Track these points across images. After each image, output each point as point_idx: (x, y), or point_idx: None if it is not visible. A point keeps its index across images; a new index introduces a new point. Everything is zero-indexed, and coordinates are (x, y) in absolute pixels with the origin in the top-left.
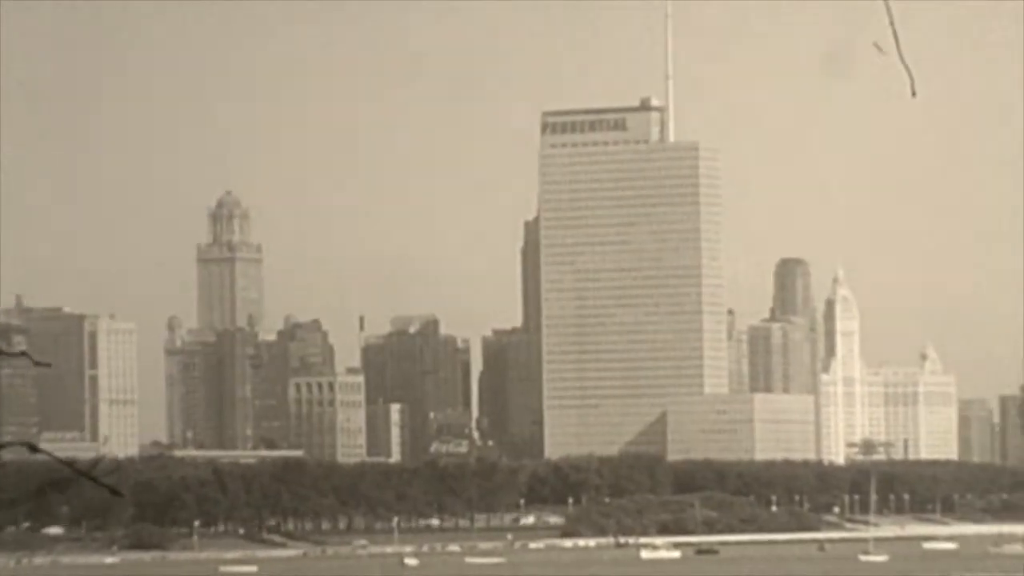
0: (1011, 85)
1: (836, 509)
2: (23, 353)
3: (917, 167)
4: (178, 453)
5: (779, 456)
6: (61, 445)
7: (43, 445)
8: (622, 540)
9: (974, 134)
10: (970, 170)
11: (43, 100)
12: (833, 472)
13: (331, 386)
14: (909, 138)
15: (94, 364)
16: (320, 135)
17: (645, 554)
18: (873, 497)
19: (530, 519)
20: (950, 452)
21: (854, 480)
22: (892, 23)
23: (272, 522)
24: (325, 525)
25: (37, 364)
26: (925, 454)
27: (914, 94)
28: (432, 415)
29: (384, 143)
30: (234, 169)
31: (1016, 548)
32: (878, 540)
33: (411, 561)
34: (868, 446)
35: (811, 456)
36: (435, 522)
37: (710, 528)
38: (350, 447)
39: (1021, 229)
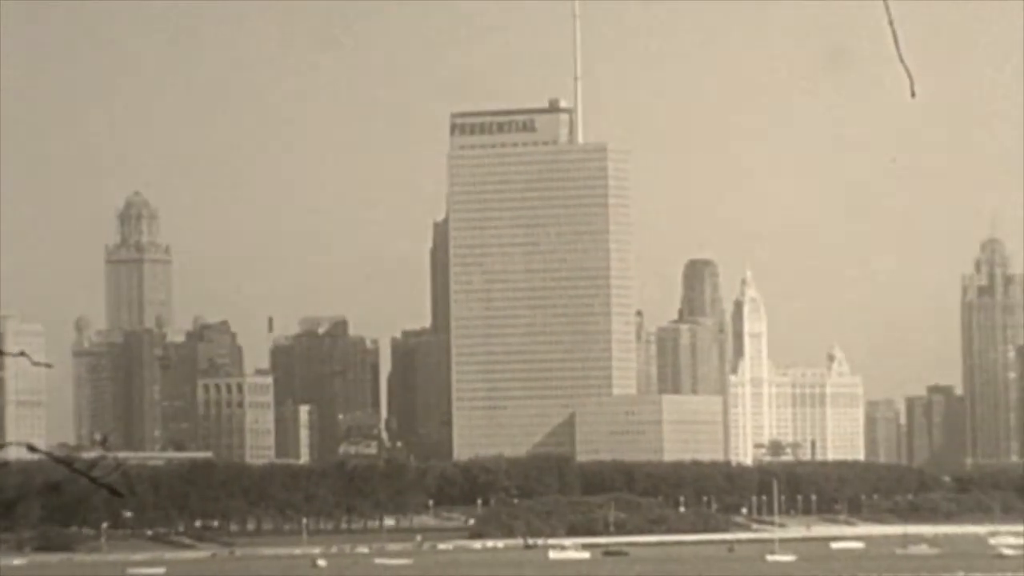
0: (1010, 85)
1: (744, 510)
2: (22, 353)
3: (826, 169)
4: (86, 455)
5: (687, 457)
6: None
7: None
8: (531, 541)
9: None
10: (882, 173)
11: None
12: (741, 473)
13: (240, 387)
14: (821, 138)
15: (1, 366)
16: (229, 136)
17: (553, 555)
18: (780, 498)
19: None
20: (857, 453)
21: (762, 481)
22: (892, 23)
23: (181, 524)
24: (234, 527)
25: (36, 364)
26: (832, 455)
27: (913, 94)
28: (341, 416)
29: (293, 144)
30: (143, 170)
31: (922, 548)
32: (785, 541)
33: (323, 562)
34: (776, 447)
35: (719, 457)
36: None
37: (619, 529)
38: (259, 448)
39: (926, 230)
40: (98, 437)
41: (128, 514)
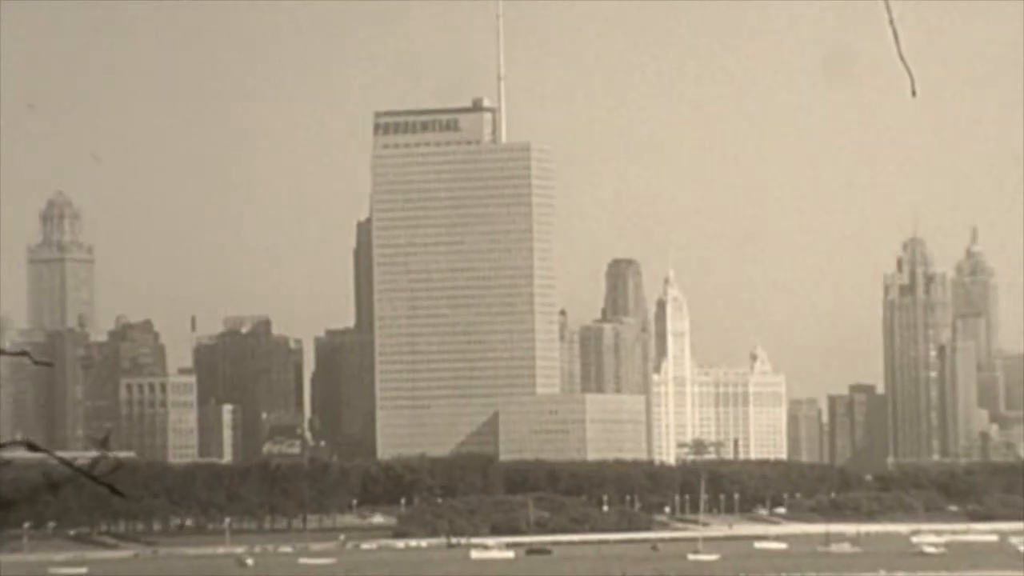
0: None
1: (667, 509)
2: (23, 353)
3: (747, 168)
4: (6, 455)
5: (611, 456)
6: None
7: None
8: (454, 540)
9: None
10: (805, 171)
11: None
12: (664, 472)
13: (163, 387)
14: (742, 137)
15: None
16: (151, 135)
17: (475, 554)
18: (703, 496)
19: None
20: (779, 452)
21: (685, 480)
22: (892, 23)
23: (103, 524)
24: (156, 526)
25: (37, 363)
26: (755, 454)
27: (914, 94)
28: (264, 416)
29: (216, 143)
30: (65, 169)
31: (844, 547)
32: (708, 539)
33: (250, 561)
34: (699, 446)
35: (642, 456)
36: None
37: (542, 528)
38: (182, 448)
39: (849, 229)
40: (99, 436)
41: (51, 524)
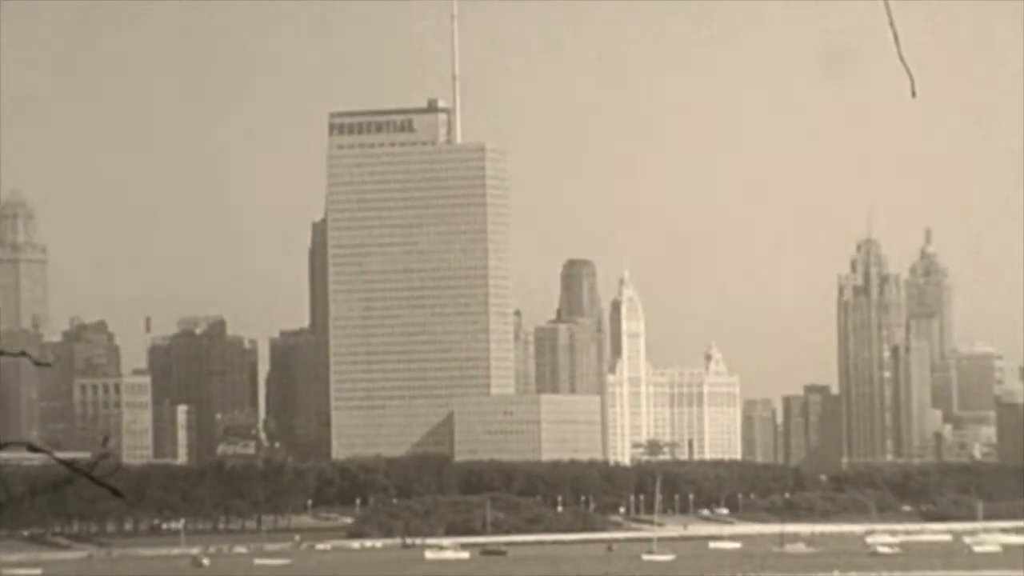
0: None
1: (622, 509)
2: (23, 353)
3: (701, 168)
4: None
5: (566, 456)
6: None
7: None
8: (409, 541)
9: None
10: (759, 172)
11: None
12: (619, 472)
13: (117, 387)
14: (695, 136)
15: None
16: (105, 135)
17: (430, 555)
18: (658, 497)
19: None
20: (734, 452)
21: (640, 480)
22: (892, 23)
23: (57, 525)
24: (111, 527)
25: (37, 364)
26: (709, 454)
27: (914, 94)
28: (219, 416)
29: (170, 144)
30: (19, 169)
31: (799, 547)
32: (663, 540)
33: (207, 561)
34: (653, 446)
35: (597, 456)
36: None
37: (497, 529)
38: (136, 449)
39: (803, 230)
40: (100, 438)
41: None
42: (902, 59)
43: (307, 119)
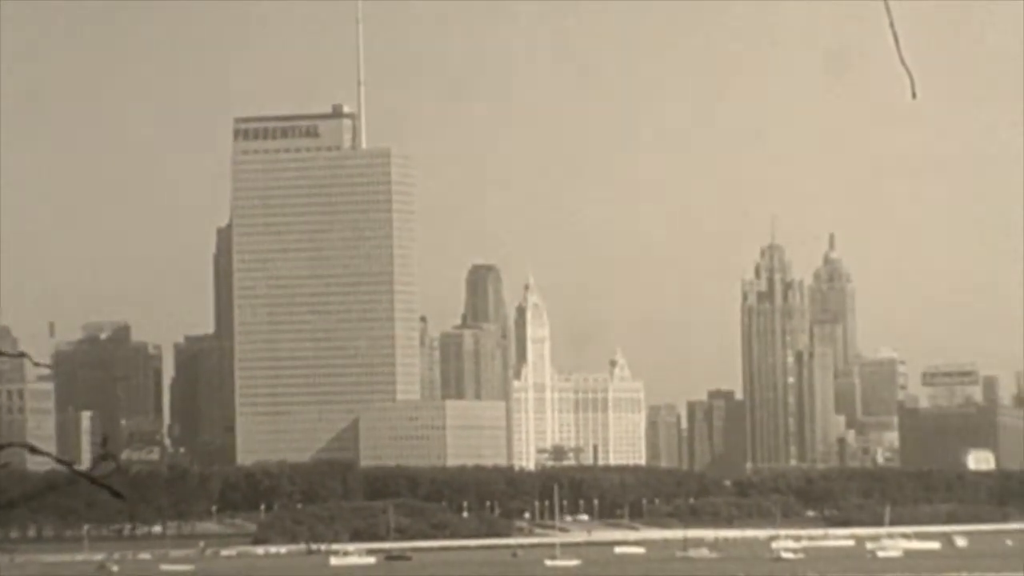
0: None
1: (527, 514)
2: (22, 354)
3: (607, 173)
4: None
5: (471, 462)
6: None
7: None
8: (314, 547)
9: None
10: (664, 177)
11: None
12: (524, 478)
13: (20, 393)
14: (603, 143)
15: None
16: (10, 138)
17: (335, 561)
18: (562, 502)
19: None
20: (638, 457)
21: (544, 485)
22: (892, 23)
23: None
24: (14, 534)
25: (36, 364)
26: (614, 459)
27: (914, 95)
28: (123, 422)
29: (75, 147)
30: None
31: (703, 553)
32: (567, 545)
33: (115, 568)
34: (558, 452)
35: (502, 462)
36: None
37: (402, 534)
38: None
39: (707, 235)
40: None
41: None
42: (902, 61)
43: (212, 124)
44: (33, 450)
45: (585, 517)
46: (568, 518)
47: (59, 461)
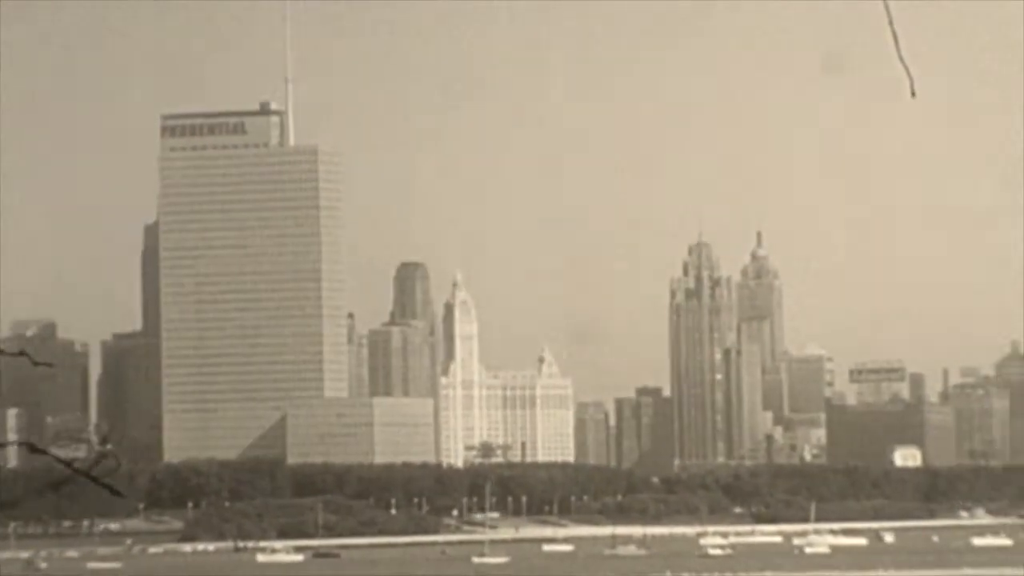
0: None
1: (455, 512)
2: (22, 353)
3: (538, 171)
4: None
5: (398, 459)
6: None
7: None
8: (241, 544)
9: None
10: (596, 174)
11: None
12: (452, 475)
13: None
14: (532, 141)
15: None
16: None
17: (262, 558)
18: (491, 499)
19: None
20: (567, 454)
21: (472, 483)
22: (891, 23)
23: None
24: None
25: (36, 364)
26: (542, 456)
27: (914, 95)
28: (49, 420)
29: (3, 145)
30: None
31: (631, 549)
32: (495, 542)
33: (44, 564)
34: (486, 449)
35: (430, 459)
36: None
37: (330, 531)
38: None
39: (636, 232)
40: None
41: None
42: (902, 60)
43: (139, 121)
44: (33, 449)
45: (495, 515)
46: (478, 515)
47: (59, 460)
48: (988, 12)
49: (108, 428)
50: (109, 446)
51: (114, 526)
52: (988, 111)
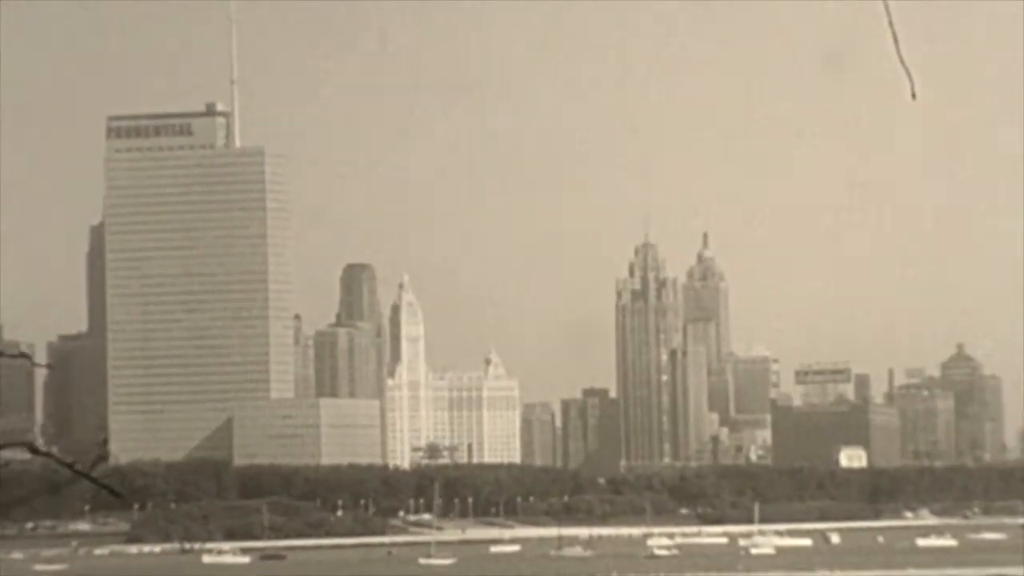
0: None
1: (402, 513)
2: (23, 355)
3: (482, 170)
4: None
5: (345, 461)
6: None
7: None
8: (187, 546)
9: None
10: (538, 171)
11: None
12: (399, 476)
13: None
14: (480, 142)
15: None
16: None
17: (208, 559)
18: (437, 501)
19: None
20: (513, 455)
21: (419, 484)
22: (891, 23)
23: None
24: None
25: (36, 366)
26: (489, 457)
27: (914, 96)
28: None
29: None
30: None
31: (577, 550)
32: (442, 544)
33: None
34: (433, 450)
35: (377, 460)
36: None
37: (276, 533)
38: None
39: (581, 234)
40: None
41: None
42: (902, 61)
43: (85, 122)
44: (34, 450)
45: (427, 516)
46: (411, 517)
47: (60, 462)
48: (988, 12)
49: (54, 430)
50: (108, 446)
51: (60, 528)
52: (972, 113)
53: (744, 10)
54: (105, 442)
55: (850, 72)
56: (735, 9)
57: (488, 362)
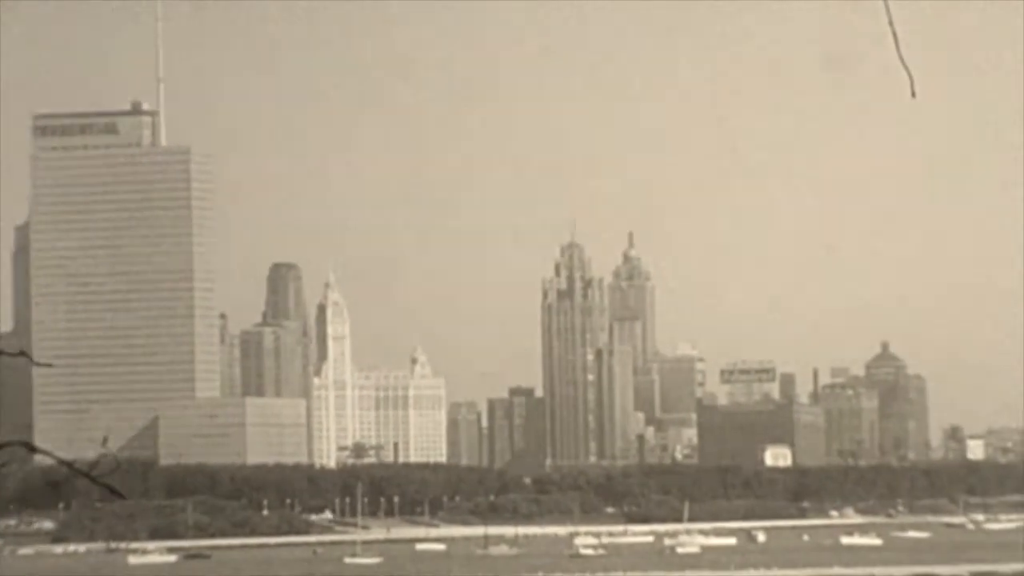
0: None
1: (328, 512)
2: (22, 353)
3: (410, 170)
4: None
5: (271, 460)
6: None
7: None
8: (113, 545)
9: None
10: (463, 171)
11: None
12: (324, 475)
13: None
14: (409, 142)
15: None
16: None
17: (134, 559)
18: (363, 500)
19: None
20: (439, 455)
21: (345, 483)
22: (891, 23)
23: None
24: None
25: (36, 364)
26: (415, 457)
27: (914, 95)
28: None
29: None
30: None
31: (503, 549)
32: (367, 543)
33: None
34: (359, 449)
35: (303, 459)
36: None
37: (201, 532)
38: None
39: (507, 233)
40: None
41: None
42: (902, 60)
43: (11, 120)
44: (33, 449)
45: (328, 516)
46: (312, 517)
47: (60, 461)
48: (988, 12)
49: None
50: (108, 446)
51: None
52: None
53: (745, 10)
54: (105, 441)
55: (846, 72)
56: (735, 9)
57: (414, 361)
